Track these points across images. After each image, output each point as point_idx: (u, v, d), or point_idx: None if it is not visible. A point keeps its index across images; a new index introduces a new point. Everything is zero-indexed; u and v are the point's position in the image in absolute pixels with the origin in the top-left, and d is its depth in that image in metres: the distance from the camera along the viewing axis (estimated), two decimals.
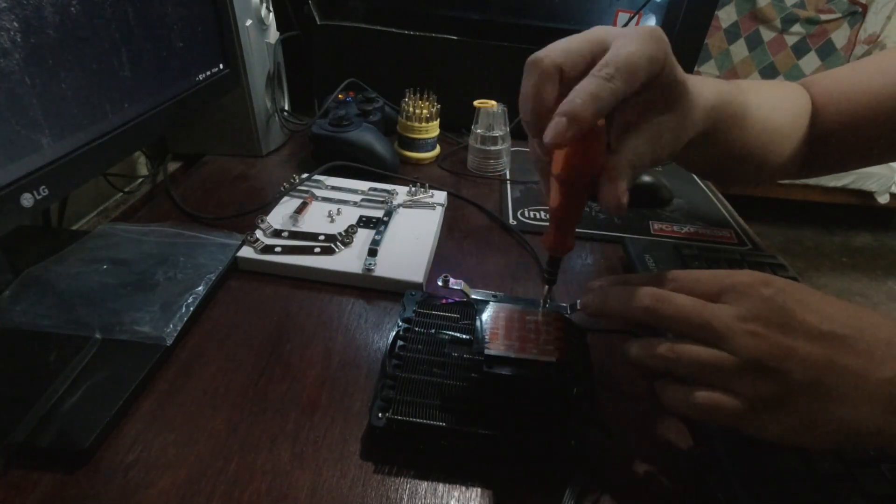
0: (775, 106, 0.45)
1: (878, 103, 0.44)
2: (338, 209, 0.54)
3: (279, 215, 0.53)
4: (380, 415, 0.32)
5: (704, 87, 0.36)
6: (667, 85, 0.31)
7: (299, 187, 0.57)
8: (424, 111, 0.68)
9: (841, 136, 0.46)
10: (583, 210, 0.34)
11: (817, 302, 0.28)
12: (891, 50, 0.47)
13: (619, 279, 0.36)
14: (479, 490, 0.31)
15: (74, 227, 0.59)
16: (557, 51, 0.30)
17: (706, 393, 0.28)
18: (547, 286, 0.37)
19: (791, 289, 0.28)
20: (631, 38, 0.29)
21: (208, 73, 0.52)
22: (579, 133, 0.27)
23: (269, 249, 0.47)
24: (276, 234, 0.50)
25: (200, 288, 0.42)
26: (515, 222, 0.58)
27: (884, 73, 0.45)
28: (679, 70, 0.31)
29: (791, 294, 0.28)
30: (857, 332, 0.26)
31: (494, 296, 0.40)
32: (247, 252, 0.47)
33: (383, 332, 0.42)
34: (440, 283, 0.37)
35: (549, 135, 0.28)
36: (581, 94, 0.27)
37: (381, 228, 0.51)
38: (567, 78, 0.30)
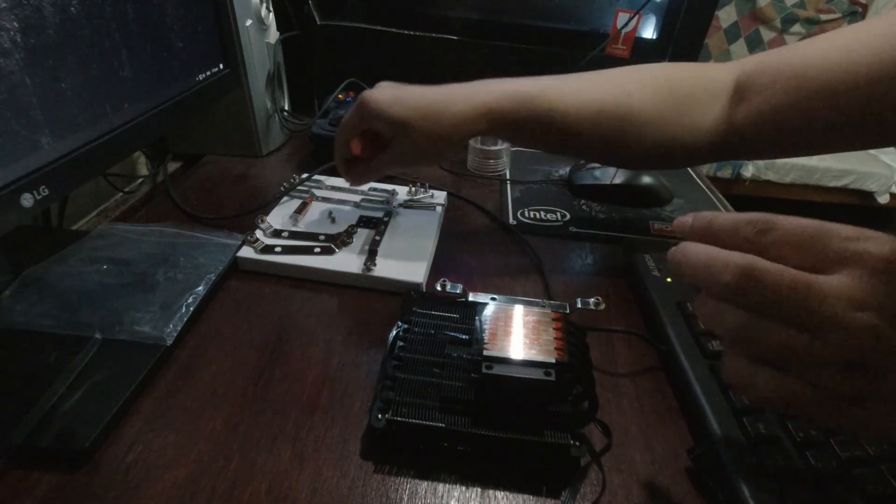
0: (628, 94, 0.46)
1: (828, 84, 0.38)
2: (338, 209, 0.54)
3: (279, 215, 0.52)
4: (379, 416, 0.32)
5: (462, 101, 0.43)
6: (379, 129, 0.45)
7: (299, 187, 0.57)
8: None
9: (778, 117, 0.41)
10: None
11: None
12: (841, 30, 0.41)
13: (706, 222, 0.28)
14: (478, 490, 0.31)
15: (74, 227, 0.59)
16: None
17: (780, 382, 0.24)
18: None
19: None
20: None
21: (208, 73, 0.52)
22: (346, 138, 0.47)
23: (269, 249, 0.47)
24: (276, 234, 0.50)
25: (200, 288, 0.42)
26: (515, 222, 0.58)
27: (834, 48, 0.39)
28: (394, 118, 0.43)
29: None
30: None
31: (493, 298, 0.40)
32: (247, 252, 0.47)
33: (383, 332, 0.42)
34: (438, 288, 0.37)
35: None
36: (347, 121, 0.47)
37: (381, 228, 0.51)
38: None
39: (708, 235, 0.27)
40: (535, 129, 0.45)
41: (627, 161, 0.52)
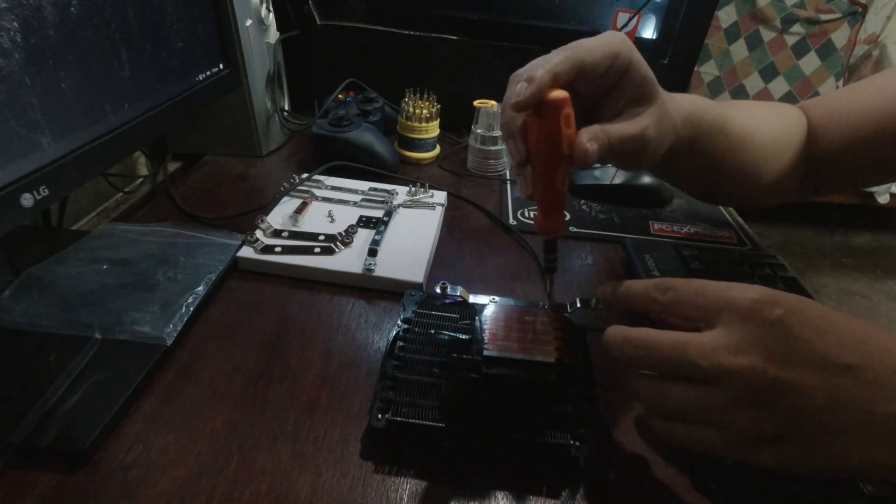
0: (760, 123, 0.45)
1: (879, 125, 0.44)
2: (338, 209, 0.54)
3: (279, 215, 0.52)
4: (379, 416, 0.32)
5: (681, 98, 0.39)
6: (636, 81, 0.33)
7: (299, 187, 0.57)
8: (424, 111, 0.68)
9: (842, 158, 0.46)
10: (565, 190, 0.33)
11: (827, 325, 0.25)
12: (889, 71, 0.46)
13: (611, 292, 0.33)
14: (479, 490, 0.31)
15: (74, 227, 0.59)
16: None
17: (688, 429, 0.27)
18: (548, 275, 0.36)
19: (801, 309, 0.25)
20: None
21: (208, 73, 0.52)
22: (538, 93, 0.29)
23: (269, 249, 0.47)
24: (276, 234, 0.50)
25: (200, 288, 0.42)
26: (515, 222, 0.58)
27: (881, 92, 0.44)
28: (648, 70, 0.34)
29: (799, 316, 0.25)
30: (866, 360, 0.24)
31: (493, 299, 0.40)
32: (247, 252, 0.47)
33: (383, 332, 0.42)
34: (438, 291, 0.37)
35: (511, 97, 0.30)
36: (537, 62, 0.31)
37: (381, 228, 0.51)
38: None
39: (627, 300, 0.31)
40: (711, 139, 0.42)
41: (743, 195, 0.49)
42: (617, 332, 0.29)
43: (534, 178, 0.32)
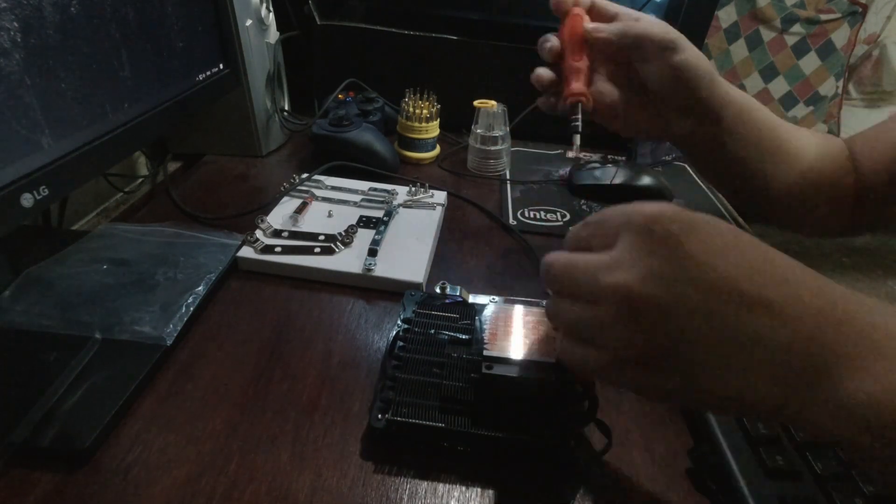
0: (794, 130, 0.46)
1: None
2: (338, 209, 0.54)
3: (279, 215, 0.52)
4: (379, 416, 0.32)
5: (731, 88, 0.43)
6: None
7: (299, 187, 0.57)
8: (424, 111, 0.68)
9: (889, 190, 0.44)
10: (587, 67, 0.43)
11: (733, 248, 0.23)
12: None
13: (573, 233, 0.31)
14: (478, 490, 0.31)
15: (74, 227, 0.59)
16: None
17: (571, 346, 0.27)
18: (574, 134, 0.43)
19: (701, 227, 0.24)
20: None
21: (208, 73, 0.52)
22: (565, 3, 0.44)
23: (269, 249, 0.47)
24: (276, 234, 0.50)
25: (200, 288, 0.42)
26: (515, 222, 0.58)
27: None
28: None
29: (699, 234, 0.23)
30: (753, 282, 0.22)
31: (493, 300, 0.40)
32: (247, 252, 0.47)
33: (383, 332, 0.42)
34: (438, 291, 0.37)
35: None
36: None
37: (381, 228, 0.51)
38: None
39: (565, 246, 0.30)
40: (742, 122, 0.44)
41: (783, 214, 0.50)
42: (545, 258, 0.29)
43: (565, 57, 0.44)
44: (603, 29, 0.43)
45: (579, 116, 0.43)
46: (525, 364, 0.32)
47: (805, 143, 0.46)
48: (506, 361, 0.32)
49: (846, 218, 0.47)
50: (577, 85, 0.42)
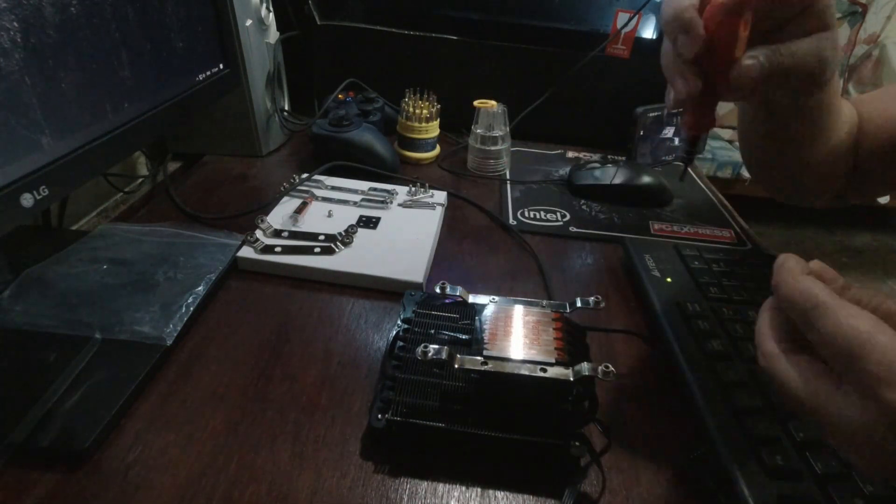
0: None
1: None
2: (338, 209, 0.54)
3: (279, 215, 0.52)
4: (379, 416, 0.32)
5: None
6: (821, 8, 0.33)
7: (299, 187, 0.57)
8: (424, 111, 0.68)
9: (870, 165, 0.45)
10: (720, 94, 0.34)
11: None
12: None
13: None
14: (478, 490, 0.31)
15: (74, 227, 0.59)
16: None
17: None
18: (684, 164, 0.40)
19: None
20: None
21: (208, 73, 0.52)
22: None
23: (269, 249, 0.47)
24: (276, 234, 0.50)
25: (200, 288, 0.42)
26: (515, 222, 0.58)
27: None
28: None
29: None
30: None
31: (493, 300, 0.40)
32: (247, 252, 0.47)
33: (383, 332, 0.42)
34: (438, 291, 0.37)
35: None
36: None
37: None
38: None
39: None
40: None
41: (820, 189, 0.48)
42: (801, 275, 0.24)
43: (691, 80, 0.33)
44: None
45: (695, 151, 0.39)
46: (525, 364, 0.32)
47: (844, 114, 0.45)
48: (506, 361, 0.32)
49: (844, 186, 0.47)
50: (707, 118, 0.35)
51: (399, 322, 0.38)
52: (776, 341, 0.25)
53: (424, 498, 0.30)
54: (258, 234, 0.49)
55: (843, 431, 0.21)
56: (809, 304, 0.23)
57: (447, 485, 0.31)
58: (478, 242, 0.55)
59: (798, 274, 0.25)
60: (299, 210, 0.53)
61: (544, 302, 0.39)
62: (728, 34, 0.31)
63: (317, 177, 0.59)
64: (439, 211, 0.56)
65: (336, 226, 0.51)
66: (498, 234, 0.57)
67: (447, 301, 0.40)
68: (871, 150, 0.44)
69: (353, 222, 0.52)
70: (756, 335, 0.26)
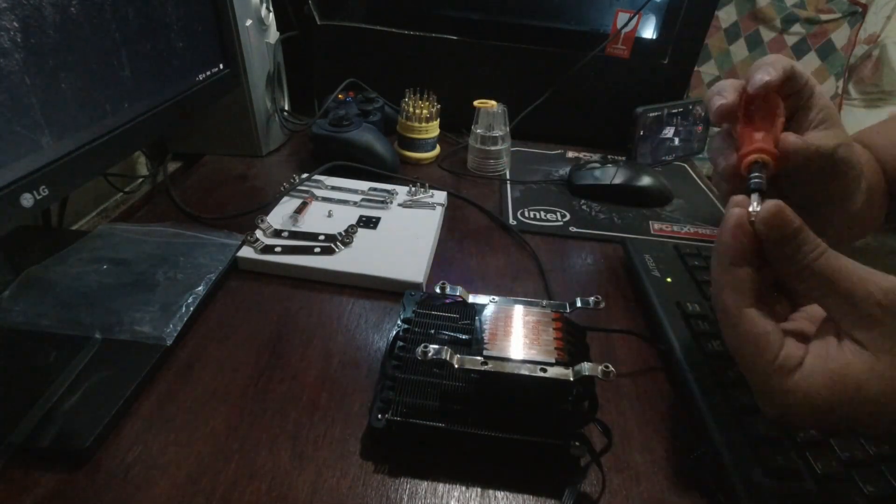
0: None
1: None
2: (338, 209, 0.54)
3: (279, 215, 0.52)
4: (379, 416, 0.32)
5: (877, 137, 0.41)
6: (822, 103, 0.35)
7: (299, 187, 0.57)
8: (424, 111, 0.68)
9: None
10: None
11: None
12: None
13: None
14: (478, 490, 0.31)
15: (74, 227, 0.59)
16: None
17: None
18: (757, 193, 0.32)
19: None
20: None
21: (208, 73, 0.51)
22: (784, 72, 0.32)
23: (269, 249, 0.47)
24: (276, 234, 0.50)
25: (200, 288, 0.42)
26: (515, 222, 0.58)
27: None
28: (829, 100, 0.35)
29: None
30: None
31: (493, 300, 0.40)
32: (247, 252, 0.47)
33: (383, 332, 0.42)
34: (438, 291, 0.37)
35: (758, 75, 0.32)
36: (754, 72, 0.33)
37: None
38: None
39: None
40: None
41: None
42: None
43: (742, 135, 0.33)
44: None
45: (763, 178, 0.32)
46: (525, 364, 0.32)
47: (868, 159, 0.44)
48: (506, 361, 0.32)
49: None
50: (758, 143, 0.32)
51: (399, 322, 0.38)
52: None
53: (424, 498, 0.30)
54: (258, 234, 0.49)
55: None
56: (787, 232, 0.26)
57: (447, 485, 0.31)
58: (478, 242, 0.55)
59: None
60: (299, 210, 0.53)
61: (544, 302, 0.39)
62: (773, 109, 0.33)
63: (317, 177, 0.59)
64: (439, 211, 0.56)
65: (336, 226, 0.51)
66: (498, 234, 0.57)
67: (447, 301, 0.40)
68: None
69: (353, 222, 0.52)
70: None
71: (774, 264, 0.27)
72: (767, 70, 0.32)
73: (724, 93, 0.34)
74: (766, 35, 2.31)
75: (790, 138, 0.32)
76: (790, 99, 0.34)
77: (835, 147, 0.34)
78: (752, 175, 0.32)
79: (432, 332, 0.37)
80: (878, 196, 0.41)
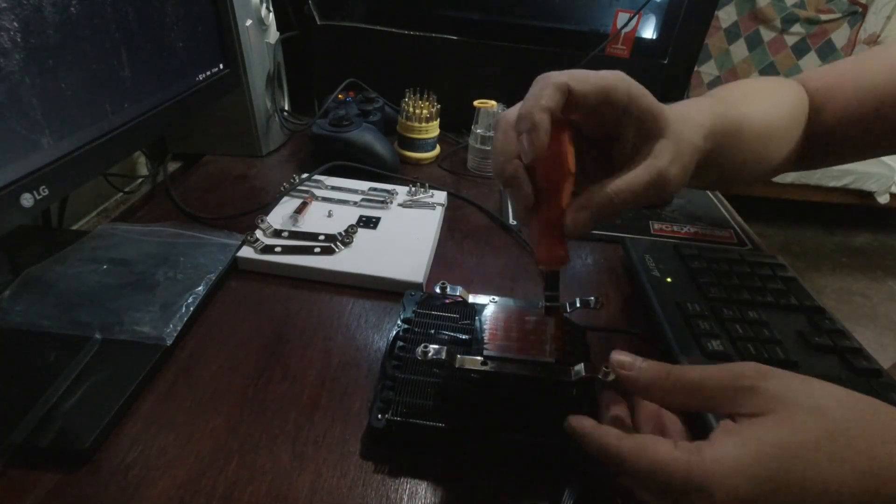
0: (769, 111, 0.44)
1: (882, 101, 0.44)
2: (338, 209, 0.54)
3: (279, 215, 0.53)
4: (379, 416, 0.32)
5: (697, 113, 0.36)
6: (639, 116, 0.31)
7: (299, 187, 0.57)
8: (424, 111, 0.68)
9: (843, 133, 0.46)
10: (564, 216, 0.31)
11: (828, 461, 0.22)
12: (891, 43, 0.46)
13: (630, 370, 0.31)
14: (478, 490, 0.31)
15: (74, 227, 0.59)
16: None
17: None
18: (550, 315, 0.33)
19: (806, 425, 0.23)
20: None
21: (208, 73, 0.52)
22: (546, 138, 0.28)
23: (269, 249, 0.47)
24: (276, 234, 0.50)
25: (200, 288, 0.42)
26: (515, 222, 0.58)
27: (889, 68, 0.44)
28: (653, 103, 0.31)
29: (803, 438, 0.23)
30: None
31: (493, 300, 0.40)
32: (247, 252, 0.47)
33: (383, 332, 0.42)
34: (438, 291, 0.37)
35: (527, 145, 0.29)
36: (528, 102, 0.29)
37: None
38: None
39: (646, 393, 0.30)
40: (733, 147, 0.40)
41: (750, 181, 0.46)
42: (610, 443, 0.27)
43: (539, 204, 0.31)
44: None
45: (558, 293, 0.33)
46: (524, 364, 0.32)
47: (779, 124, 0.44)
48: (505, 361, 0.32)
49: (794, 159, 0.47)
50: (558, 249, 0.31)
51: (399, 322, 0.38)
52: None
53: (424, 498, 0.30)
54: (258, 234, 0.49)
55: None
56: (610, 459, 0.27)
57: (447, 485, 0.31)
58: (478, 242, 0.55)
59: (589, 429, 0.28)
60: (299, 210, 0.53)
61: (544, 302, 0.39)
62: (558, 158, 0.30)
63: (317, 177, 0.59)
64: (439, 211, 0.56)
65: (336, 226, 0.51)
66: (498, 234, 0.57)
67: (447, 301, 0.40)
68: (843, 118, 0.46)
69: (353, 222, 0.52)
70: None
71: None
72: (534, 130, 0.28)
73: (525, 184, 0.30)
74: (766, 35, 2.32)
75: (572, 216, 0.30)
76: (597, 115, 0.31)
77: (651, 180, 0.31)
78: (547, 293, 0.33)
79: (432, 332, 0.37)
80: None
